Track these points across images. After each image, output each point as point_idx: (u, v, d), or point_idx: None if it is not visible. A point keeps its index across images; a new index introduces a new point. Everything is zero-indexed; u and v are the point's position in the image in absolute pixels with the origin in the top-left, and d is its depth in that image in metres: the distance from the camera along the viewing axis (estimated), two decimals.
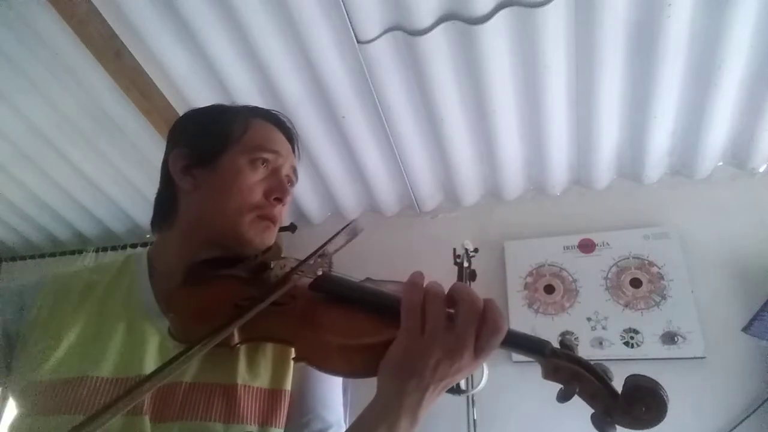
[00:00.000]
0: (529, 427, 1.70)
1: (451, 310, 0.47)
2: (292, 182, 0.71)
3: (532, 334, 0.49)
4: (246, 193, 0.64)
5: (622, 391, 0.44)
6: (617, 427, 0.45)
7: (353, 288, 0.56)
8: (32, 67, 1.70)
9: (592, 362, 0.47)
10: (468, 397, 1.61)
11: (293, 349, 0.53)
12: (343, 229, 0.57)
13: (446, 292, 0.49)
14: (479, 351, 0.46)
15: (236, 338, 0.55)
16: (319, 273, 0.57)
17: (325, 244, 0.56)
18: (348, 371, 0.51)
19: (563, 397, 0.46)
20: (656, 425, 0.44)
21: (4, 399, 2.36)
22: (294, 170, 0.72)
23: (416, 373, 0.46)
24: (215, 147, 0.66)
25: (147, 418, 0.54)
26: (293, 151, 0.73)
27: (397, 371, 0.47)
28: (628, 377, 0.45)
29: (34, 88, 1.78)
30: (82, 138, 1.99)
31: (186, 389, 0.56)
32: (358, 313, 0.53)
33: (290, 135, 0.73)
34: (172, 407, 0.55)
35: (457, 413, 1.62)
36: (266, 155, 0.66)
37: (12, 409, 0.57)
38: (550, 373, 0.48)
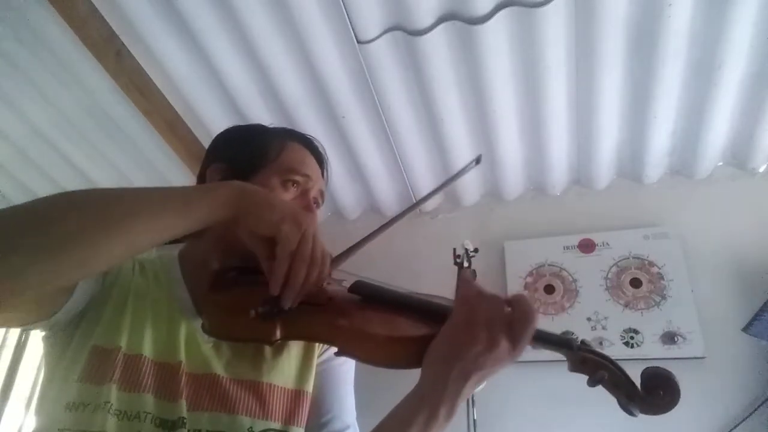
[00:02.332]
0: (529, 427, 1.70)
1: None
2: (318, 204, 0.76)
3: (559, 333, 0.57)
4: None
5: (641, 381, 0.51)
6: (640, 414, 0.51)
7: (388, 291, 0.62)
8: (32, 67, 1.70)
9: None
10: (468, 397, 1.61)
11: (336, 344, 0.57)
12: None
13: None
14: (514, 341, 0.51)
15: (278, 335, 0.58)
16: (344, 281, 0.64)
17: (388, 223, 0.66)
18: (388, 362, 0.55)
19: (593, 382, 0.53)
20: (672, 409, 0.50)
21: (5, 399, 2.36)
22: (321, 194, 0.77)
23: (460, 362, 0.51)
24: (251, 164, 0.70)
25: (184, 403, 0.57)
26: (322, 176, 0.78)
27: (443, 360, 0.52)
28: (644, 369, 0.52)
29: (34, 88, 1.78)
30: (82, 138, 1.99)
31: (217, 382, 0.61)
32: (395, 310, 0.59)
33: (321, 160, 0.78)
34: (204, 397, 0.59)
35: (457, 413, 1.62)
36: (298, 177, 0.71)
37: (13, 405, 0.57)
38: (577, 365, 0.54)
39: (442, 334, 0.53)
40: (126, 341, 0.59)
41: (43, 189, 2.32)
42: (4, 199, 2.42)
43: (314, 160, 0.76)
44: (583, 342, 0.55)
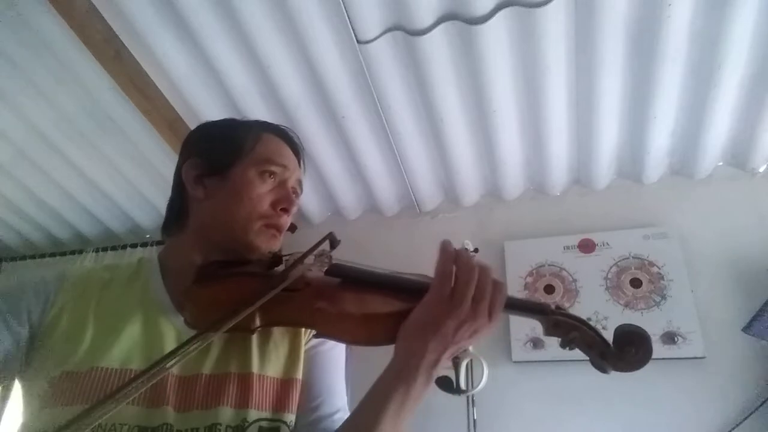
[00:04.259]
0: (529, 427, 1.70)
1: None
2: (297, 194, 0.75)
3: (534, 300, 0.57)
4: (255, 202, 0.68)
5: (614, 338, 0.53)
6: (613, 371, 0.53)
7: (365, 270, 0.62)
8: (32, 67, 1.70)
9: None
10: (468, 397, 1.61)
11: (315, 327, 0.58)
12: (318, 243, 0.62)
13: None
14: (492, 317, 0.53)
15: (257, 322, 0.59)
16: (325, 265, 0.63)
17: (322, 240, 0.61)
18: (367, 340, 0.57)
19: (565, 344, 0.55)
20: (643, 365, 0.51)
21: (4, 399, 2.36)
22: (299, 183, 0.76)
23: (439, 333, 0.52)
24: (227, 158, 0.70)
25: (170, 408, 0.57)
26: (299, 165, 0.77)
27: (421, 331, 0.53)
28: (616, 327, 0.54)
29: (34, 88, 1.78)
30: (82, 138, 1.99)
31: (207, 380, 0.61)
32: (372, 290, 0.59)
33: (297, 149, 0.77)
34: (194, 397, 0.60)
35: (457, 413, 1.62)
36: (274, 168, 0.70)
37: (15, 406, 0.58)
38: (551, 329, 0.55)
39: (422, 304, 0.54)
40: (90, 359, 0.58)
41: (43, 189, 2.33)
42: (5, 199, 2.43)
43: (290, 150, 0.75)
44: (557, 307, 0.57)
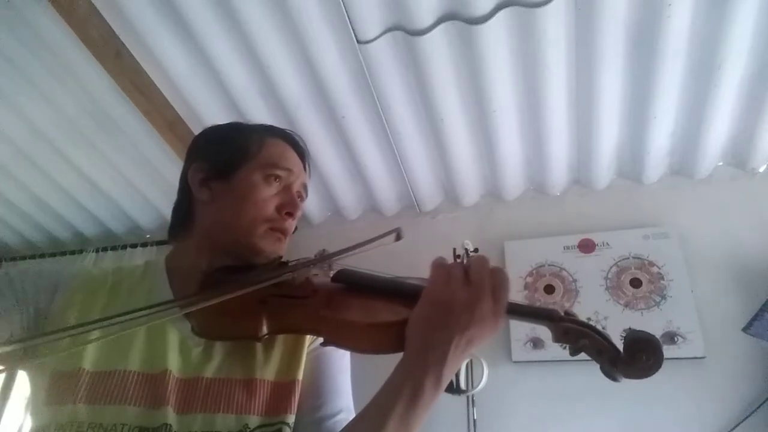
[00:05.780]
0: (529, 427, 1.70)
1: None
2: (302, 198, 0.76)
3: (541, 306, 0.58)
4: (260, 206, 0.68)
5: (624, 345, 0.51)
6: (623, 379, 0.51)
7: (371, 277, 0.62)
8: (32, 67, 1.70)
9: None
10: (468, 397, 1.61)
11: (322, 335, 0.58)
12: (384, 235, 0.63)
13: None
14: (496, 301, 0.52)
15: (264, 330, 0.59)
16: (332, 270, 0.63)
17: (360, 244, 0.62)
18: (374, 349, 0.55)
19: (574, 351, 0.53)
20: (655, 372, 0.49)
21: (4, 399, 2.36)
22: (305, 187, 0.77)
23: (442, 323, 0.51)
24: (232, 162, 0.70)
25: (170, 409, 0.58)
26: (304, 169, 0.77)
27: (425, 324, 0.52)
28: (627, 333, 0.52)
29: (34, 88, 1.78)
30: (82, 138, 1.99)
31: (207, 384, 0.61)
32: (378, 296, 0.59)
33: (302, 153, 0.78)
34: (195, 400, 0.59)
35: (457, 413, 1.62)
36: (279, 172, 0.71)
37: (13, 407, 0.58)
38: (560, 335, 0.54)
39: (422, 299, 0.53)
40: (93, 360, 0.59)
41: (43, 189, 2.33)
42: (5, 199, 2.43)
43: (295, 154, 0.75)
44: (566, 313, 0.55)
